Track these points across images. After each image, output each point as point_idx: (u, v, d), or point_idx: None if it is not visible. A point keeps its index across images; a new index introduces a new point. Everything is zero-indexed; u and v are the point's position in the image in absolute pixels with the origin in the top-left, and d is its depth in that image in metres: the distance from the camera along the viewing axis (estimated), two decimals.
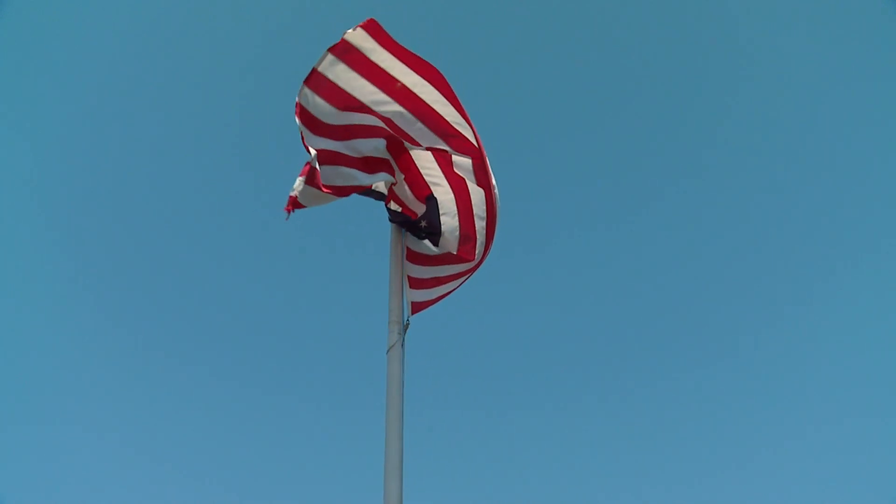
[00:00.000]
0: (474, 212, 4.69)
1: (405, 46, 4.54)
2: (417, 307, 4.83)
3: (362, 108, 4.53)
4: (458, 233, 4.67)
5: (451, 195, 4.71)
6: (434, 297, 4.89)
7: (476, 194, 4.69)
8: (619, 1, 16.24)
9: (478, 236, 4.69)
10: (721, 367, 14.09)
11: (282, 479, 12.48)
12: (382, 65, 4.51)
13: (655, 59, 16.13)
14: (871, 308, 13.27)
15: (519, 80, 16.63)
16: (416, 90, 4.55)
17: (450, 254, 4.73)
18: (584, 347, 15.00)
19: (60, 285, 13.84)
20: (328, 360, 14.50)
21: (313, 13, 15.67)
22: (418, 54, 4.57)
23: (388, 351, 4.33)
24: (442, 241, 4.68)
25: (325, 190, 4.37)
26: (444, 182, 4.73)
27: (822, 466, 11.93)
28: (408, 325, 4.48)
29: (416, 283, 4.81)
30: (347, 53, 4.45)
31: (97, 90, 14.58)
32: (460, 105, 4.59)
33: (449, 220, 4.67)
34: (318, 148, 4.33)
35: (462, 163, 4.68)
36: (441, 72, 4.55)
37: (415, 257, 4.83)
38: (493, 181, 4.65)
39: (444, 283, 4.87)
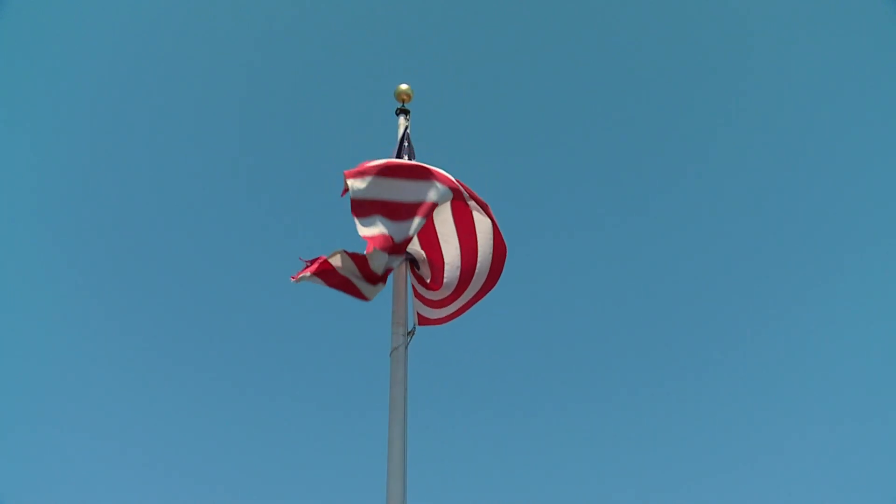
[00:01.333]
0: (440, 240, 4.78)
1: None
2: (423, 321, 4.91)
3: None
4: (427, 263, 4.81)
5: (418, 245, 4.83)
6: (434, 317, 4.95)
7: (444, 224, 4.75)
8: (620, 1, 16.30)
9: (448, 260, 4.73)
10: (722, 368, 14.14)
11: (286, 480, 12.51)
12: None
13: (655, 59, 16.17)
14: (871, 308, 13.32)
15: (519, 80, 16.67)
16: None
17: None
18: (585, 349, 15.05)
19: (61, 287, 13.87)
20: (332, 361, 14.55)
21: (313, 13, 15.70)
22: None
23: (391, 353, 4.35)
24: (422, 267, 4.84)
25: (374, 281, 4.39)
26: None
27: (821, 467, 11.97)
28: (413, 332, 4.50)
29: (417, 295, 4.91)
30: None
31: (97, 90, 14.62)
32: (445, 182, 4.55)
33: (414, 253, 4.82)
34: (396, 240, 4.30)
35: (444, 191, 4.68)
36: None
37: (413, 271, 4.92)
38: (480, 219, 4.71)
39: (434, 303, 4.94)
